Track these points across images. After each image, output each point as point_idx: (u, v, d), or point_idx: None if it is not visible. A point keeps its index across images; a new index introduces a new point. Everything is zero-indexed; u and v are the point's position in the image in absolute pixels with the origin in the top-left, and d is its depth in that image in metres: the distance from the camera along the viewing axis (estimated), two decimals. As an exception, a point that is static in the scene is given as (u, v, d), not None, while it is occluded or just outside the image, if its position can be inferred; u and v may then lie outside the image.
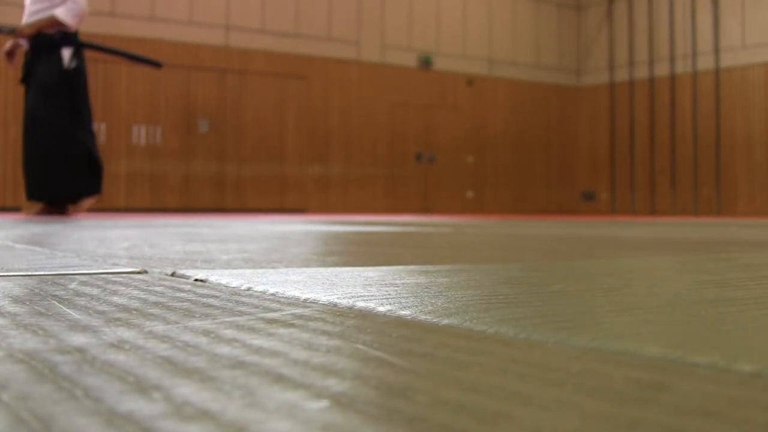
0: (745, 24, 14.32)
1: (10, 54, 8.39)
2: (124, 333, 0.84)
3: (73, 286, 1.31)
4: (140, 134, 12.22)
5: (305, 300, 1.12)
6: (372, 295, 1.15)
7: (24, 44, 8.20)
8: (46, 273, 1.53)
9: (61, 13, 7.93)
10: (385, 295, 1.16)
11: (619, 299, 1.12)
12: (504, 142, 15.80)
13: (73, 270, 1.60)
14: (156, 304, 1.09)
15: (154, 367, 0.65)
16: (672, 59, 15.22)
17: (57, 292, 1.21)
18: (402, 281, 1.37)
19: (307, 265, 1.79)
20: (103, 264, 1.78)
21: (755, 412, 0.51)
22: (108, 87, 12.02)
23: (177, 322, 0.91)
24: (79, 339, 0.80)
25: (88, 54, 12.24)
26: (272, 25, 13.34)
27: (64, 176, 7.93)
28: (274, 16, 13.37)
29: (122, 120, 12.09)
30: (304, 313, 0.98)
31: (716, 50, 14.58)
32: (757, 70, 14.12)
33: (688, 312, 0.99)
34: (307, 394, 0.56)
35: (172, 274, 1.54)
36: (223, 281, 1.37)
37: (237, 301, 1.11)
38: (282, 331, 0.85)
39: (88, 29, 11.91)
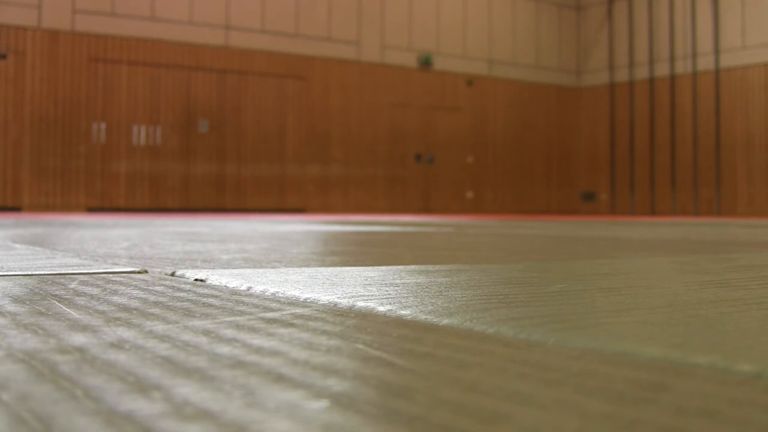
0: (745, 24, 14.31)
1: None
2: (124, 333, 0.84)
3: (73, 285, 1.31)
4: (140, 134, 12.22)
5: (305, 300, 1.12)
6: (372, 295, 1.15)
7: None
8: (46, 273, 1.53)
9: None
10: (385, 294, 1.16)
11: (619, 299, 1.12)
12: (504, 142, 15.80)
13: (73, 270, 1.60)
14: (156, 303, 1.09)
15: (154, 367, 0.65)
16: (672, 59, 15.21)
17: (57, 292, 1.21)
18: (402, 281, 1.37)
19: (307, 265, 1.79)
20: (103, 264, 1.78)
21: (755, 412, 0.51)
22: (108, 87, 12.03)
23: (177, 322, 0.91)
24: (79, 339, 0.80)
25: (90, 54, 12.26)
26: (272, 25, 13.34)
27: None
28: (274, 16, 13.37)
29: (122, 120, 12.09)
30: (304, 313, 0.98)
31: (716, 50, 14.58)
32: (757, 70, 14.11)
33: (688, 312, 0.99)
34: (307, 394, 0.56)
35: (172, 274, 1.54)
36: (223, 281, 1.37)
37: (237, 301, 1.11)
38: (282, 330, 0.85)
39: (88, 29, 11.92)
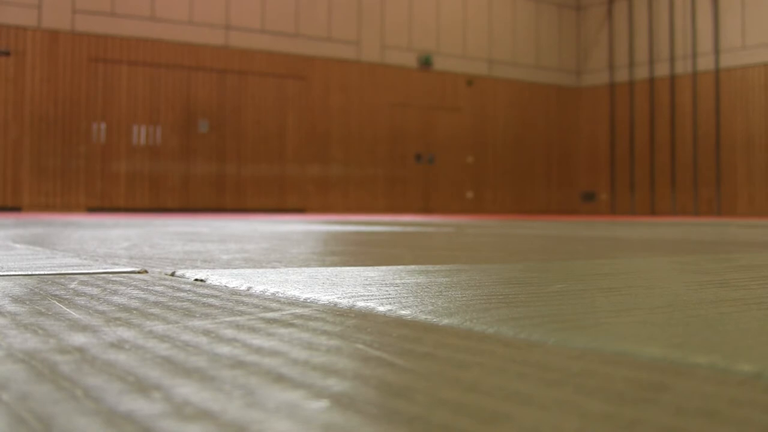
0: (745, 24, 14.31)
1: None
2: (124, 333, 0.84)
3: (73, 285, 1.31)
4: (140, 134, 12.22)
5: (305, 300, 1.12)
6: (372, 295, 1.15)
7: None
8: (46, 273, 1.53)
9: None
10: (385, 294, 1.16)
11: (619, 299, 1.12)
12: (504, 142, 15.80)
13: (74, 270, 1.60)
14: (156, 303, 1.08)
15: (154, 367, 0.65)
16: (672, 59, 15.21)
17: (57, 292, 1.21)
18: (402, 281, 1.37)
19: (307, 265, 1.79)
20: (104, 264, 1.78)
21: (755, 412, 0.51)
22: (108, 87, 12.02)
23: (177, 322, 0.91)
24: (79, 339, 0.80)
25: (90, 54, 12.25)
26: (272, 25, 13.34)
27: None
28: (274, 16, 13.37)
29: (122, 120, 12.09)
30: (304, 313, 0.98)
31: (716, 50, 14.58)
32: (757, 70, 14.11)
33: (688, 312, 0.99)
34: (307, 394, 0.56)
35: (172, 274, 1.54)
36: (223, 281, 1.37)
37: (237, 301, 1.11)
38: (282, 330, 0.85)
39: (88, 29, 11.92)
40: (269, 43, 13.29)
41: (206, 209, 12.58)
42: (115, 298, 1.14)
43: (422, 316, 0.95)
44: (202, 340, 0.79)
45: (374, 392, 0.56)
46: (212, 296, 1.17)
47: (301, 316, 0.95)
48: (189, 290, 1.25)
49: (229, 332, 0.83)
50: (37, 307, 1.04)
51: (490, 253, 2.42)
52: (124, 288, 1.28)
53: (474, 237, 3.74)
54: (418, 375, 0.63)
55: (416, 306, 1.04)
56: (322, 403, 0.53)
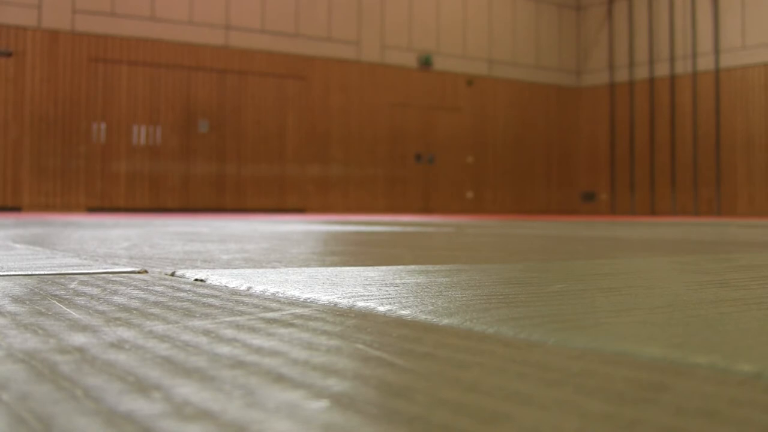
0: (745, 24, 14.31)
1: None
2: (124, 333, 0.83)
3: (73, 285, 1.31)
4: (140, 134, 12.21)
5: (305, 300, 1.12)
6: (372, 295, 1.15)
7: None
8: (46, 273, 1.53)
9: None
10: (385, 295, 1.16)
11: (619, 299, 1.12)
12: (504, 142, 15.79)
13: (74, 270, 1.60)
14: (156, 303, 1.08)
15: (154, 367, 0.65)
16: (672, 59, 15.21)
17: (57, 292, 1.21)
18: (402, 281, 1.37)
19: (307, 265, 1.79)
20: (104, 264, 1.78)
21: (755, 412, 0.51)
22: (108, 87, 12.02)
23: (177, 322, 0.91)
24: (79, 339, 0.80)
25: (90, 54, 12.26)
26: (272, 25, 13.33)
27: None
28: (274, 16, 13.37)
29: (122, 120, 12.09)
30: (304, 313, 0.98)
31: (716, 50, 14.58)
32: (757, 70, 14.11)
33: (688, 312, 0.99)
34: (307, 394, 0.56)
35: (172, 274, 1.54)
36: (223, 281, 1.37)
37: (237, 301, 1.11)
38: (282, 330, 0.85)
39: (88, 29, 11.92)
40: (269, 43, 13.29)
41: (206, 209, 12.58)
42: (115, 298, 1.14)
43: (422, 316, 0.95)
44: (202, 340, 0.79)
45: (374, 392, 0.56)
46: (212, 296, 1.17)
47: (301, 316, 0.95)
48: (189, 290, 1.25)
49: (229, 332, 0.83)
50: (37, 307, 1.04)
51: (490, 253, 2.42)
52: (124, 288, 1.28)
53: (474, 237, 3.74)
54: (418, 375, 0.63)
55: (416, 306, 1.04)
56: (322, 403, 0.53)
